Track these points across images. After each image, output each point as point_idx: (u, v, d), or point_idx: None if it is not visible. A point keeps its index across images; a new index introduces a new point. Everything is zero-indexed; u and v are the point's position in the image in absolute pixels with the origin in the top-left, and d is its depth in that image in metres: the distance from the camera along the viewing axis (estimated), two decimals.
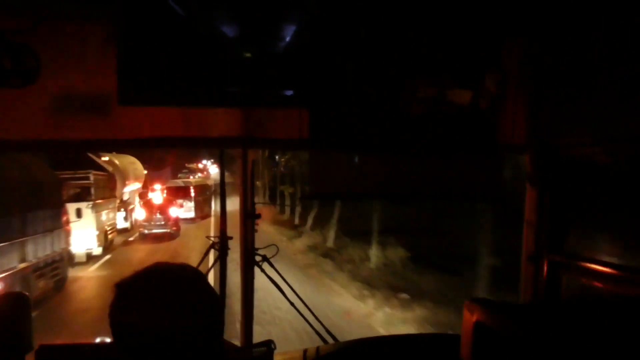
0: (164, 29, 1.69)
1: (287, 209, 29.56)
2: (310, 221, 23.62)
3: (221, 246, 2.72)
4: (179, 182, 33.61)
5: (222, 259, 2.72)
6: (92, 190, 17.48)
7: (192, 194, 30.97)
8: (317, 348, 2.46)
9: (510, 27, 2.18)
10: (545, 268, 2.30)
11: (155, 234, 22.99)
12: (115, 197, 21.23)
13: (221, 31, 1.72)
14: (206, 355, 1.19)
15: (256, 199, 2.62)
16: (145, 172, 30.83)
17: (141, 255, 18.37)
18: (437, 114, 2.13)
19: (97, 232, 17.40)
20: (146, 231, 23.21)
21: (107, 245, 19.04)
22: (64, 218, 13.89)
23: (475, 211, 10.25)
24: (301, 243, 20.33)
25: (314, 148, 2.22)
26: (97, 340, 2.91)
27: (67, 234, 14.17)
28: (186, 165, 62.09)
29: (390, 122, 2.14)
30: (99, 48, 1.94)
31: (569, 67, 2.11)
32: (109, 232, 19.40)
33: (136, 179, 26.66)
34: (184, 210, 28.92)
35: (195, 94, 1.76)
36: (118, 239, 21.62)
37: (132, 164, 25.92)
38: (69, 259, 14.52)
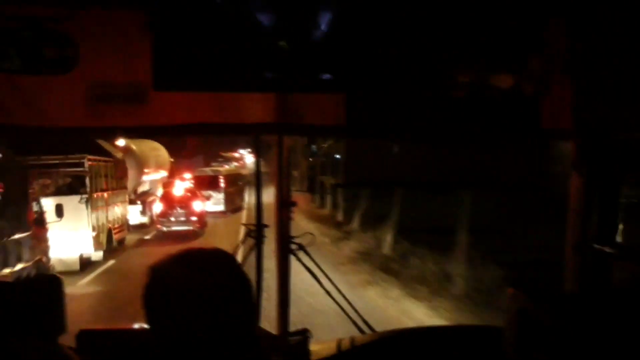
0: (200, 14, 1.68)
1: (329, 203, 26.28)
2: (357, 218, 20.04)
3: (257, 234, 2.71)
4: (208, 171, 30.36)
5: (258, 247, 2.72)
6: (87, 181, 13.96)
7: (222, 185, 27.44)
8: (353, 338, 2.44)
9: (555, 7, 2.09)
10: (591, 258, 2.21)
11: (176, 231, 19.64)
12: (125, 187, 18.30)
13: (257, 18, 1.69)
14: (241, 341, 1.18)
15: (292, 190, 2.60)
16: (172, 159, 28.42)
17: (153, 262, 14.84)
18: (479, 99, 2.06)
19: (94, 233, 13.86)
20: (164, 228, 19.94)
21: (113, 248, 15.90)
22: (33, 218, 10.92)
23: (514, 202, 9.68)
24: (349, 247, 16.37)
25: (351, 136, 2.18)
26: (136, 326, 2.96)
27: (41, 239, 11.30)
28: (221, 153, 60.39)
29: (430, 108, 2.08)
30: (135, 35, 1.94)
31: (619, 48, 2.00)
32: (115, 231, 16.29)
33: (159, 167, 24.30)
34: (212, 202, 25.77)
35: (230, 80, 1.74)
36: (131, 238, 18.72)
37: (154, 150, 23.24)
38: (47, 270, 10.97)
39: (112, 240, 15.82)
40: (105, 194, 15.59)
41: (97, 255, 14.32)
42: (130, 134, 2.16)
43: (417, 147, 2.17)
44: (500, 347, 1.83)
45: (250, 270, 1.64)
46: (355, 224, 19.81)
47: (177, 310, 1.13)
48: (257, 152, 2.72)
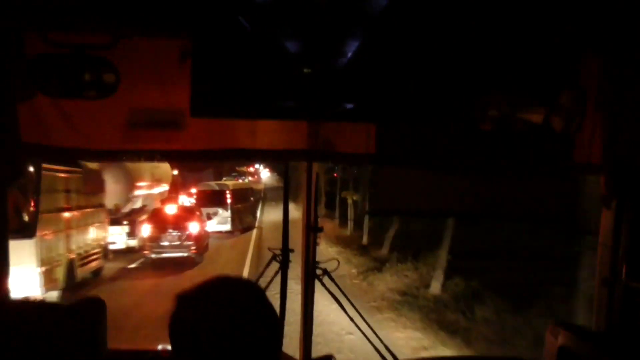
0: (234, 44, 1.72)
1: (351, 223, 23.38)
2: (387, 242, 17.24)
3: (283, 259, 2.72)
4: (213, 185, 26.88)
5: (283, 271, 2.72)
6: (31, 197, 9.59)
7: (229, 201, 23.99)
8: None
9: (589, 43, 2.09)
10: (621, 293, 2.18)
11: (167, 258, 16.27)
12: (101, 205, 14.95)
13: (285, 46, 1.74)
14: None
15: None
16: (176, 172, 25.76)
17: (129, 302, 10.96)
18: (509, 132, 2.06)
19: (41, 268, 10.07)
20: (153, 255, 16.39)
21: (79, 283, 12.41)
22: None
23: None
24: (384, 283, 12.75)
25: (380, 164, 2.19)
26: (159, 347, 2.98)
27: None
28: (236, 168, 57.57)
29: (459, 139, 2.09)
30: (173, 63, 1.99)
31: None
32: (84, 261, 12.89)
33: (158, 180, 20.35)
34: (217, 221, 23.10)
35: (263, 107, 1.78)
36: (112, 267, 15.27)
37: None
38: None
39: (75, 275, 12.18)
40: (66, 215, 11.91)
41: (51, 296, 10.48)
42: (167, 158, 2.20)
43: (447, 176, 2.18)
44: None
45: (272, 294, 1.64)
46: (385, 249, 17.20)
47: (203, 340, 1.15)
48: (286, 179, 2.75)
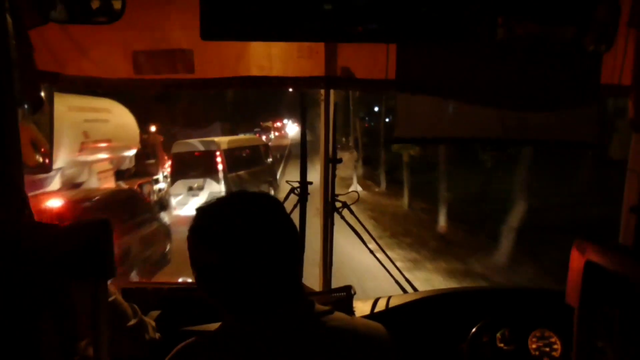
0: None
1: (408, 192, 17.24)
2: (443, 209, 12.49)
3: (301, 191, 2.69)
4: (195, 145, 16.74)
5: (301, 204, 2.70)
6: None
7: (220, 167, 16.05)
8: (398, 296, 2.42)
9: None
10: None
11: None
12: None
13: None
14: (287, 284, 1.17)
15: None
16: (154, 128, 20.17)
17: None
18: (537, 52, 1.95)
19: None
20: None
21: None
22: None
23: None
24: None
25: (400, 90, 2.10)
26: (180, 280, 3.01)
27: None
28: (261, 123, 51.18)
29: (485, 62, 1.99)
30: None
31: None
32: None
33: (105, 143, 11.93)
34: (206, 198, 14.32)
35: (277, 28, 1.69)
36: None
37: (92, 112, 11.43)
38: None
39: None
40: None
41: None
42: (175, 87, 2.14)
43: (473, 102, 2.08)
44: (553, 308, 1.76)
45: None
46: (443, 221, 12.44)
47: (221, 248, 1.12)
48: (303, 109, 2.67)
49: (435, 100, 2.08)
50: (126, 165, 14.37)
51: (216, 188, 15.60)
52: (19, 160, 1.84)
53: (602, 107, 2.18)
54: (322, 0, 1.67)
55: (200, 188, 15.77)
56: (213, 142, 16.65)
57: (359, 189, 19.16)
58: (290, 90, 3.03)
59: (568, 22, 1.91)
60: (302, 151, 2.77)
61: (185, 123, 27.20)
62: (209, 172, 15.92)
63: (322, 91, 2.54)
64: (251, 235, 1.12)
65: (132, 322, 1.64)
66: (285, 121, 62.09)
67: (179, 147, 16.63)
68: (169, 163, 17.10)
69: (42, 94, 1.90)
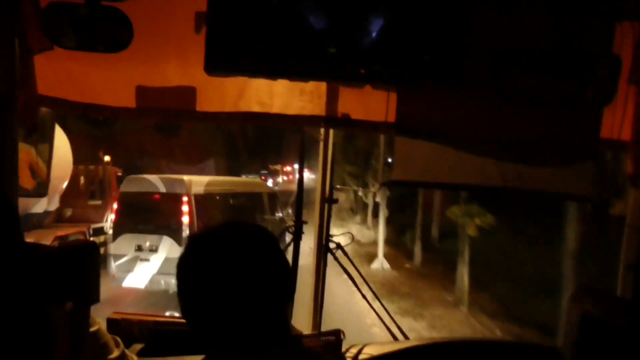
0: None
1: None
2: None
3: (296, 230, 2.67)
4: (153, 182, 10.87)
5: (295, 243, 2.68)
6: None
7: (185, 219, 10.33)
8: (387, 343, 2.37)
9: (625, 10, 1.98)
10: None
11: None
12: None
13: (309, 18, 1.66)
14: (272, 322, 1.13)
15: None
16: (108, 158, 15.31)
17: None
18: (537, 103, 1.97)
19: None
20: None
21: None
22: None
23: None
24: None
25: (400, 133, 2.11)
26: (167, 314, 2.96)
27: None
28: (269, 166, 47.25)
29: (484, 109, 2.00)
30: (188, 17, 1.93)
31: None
32: None
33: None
34: (156, 260, 10.27)
35: (280, 66, 1.71)
36: None
37: None
38: None
39: None
40: None
41: None
42: (178, 118, 2.15)
43: (471, 148, 2.08)
44: None
45: None
46: None
47: (209, 280, 1.10)
48: (302, 148, 2.68)
49: (433, 145, 2.09)
50: (43, 206, 10.18)
51: (176, 252, 9.48)
52: (14, 182, 1.83)
53: (601, 161, 2.18)
54: (326, 43, 1.69)
55: (153, 249, 10.12)
56: (181, 181, 10.63)
57: (386, 265, 14.81)
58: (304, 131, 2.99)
59: (569, 76, 1.93)
60: (298, 190, 2.77)
61: (170, 155, 21.94)
62: (169, 226, 10.29)
63: (322, 130, 2.55)
64: (240, 268, 1.09)
65: (114, 354, 1.60)
66: (295, 166, 60.29)
67: (129, 185, 10.86)
68: (115, 206, 11.16)
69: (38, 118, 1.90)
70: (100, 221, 13.05)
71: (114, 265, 10.52)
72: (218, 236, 1.16)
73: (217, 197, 11.88)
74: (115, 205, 11.02)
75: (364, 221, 25.28)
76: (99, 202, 13.41)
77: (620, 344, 1.12)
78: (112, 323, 2.12)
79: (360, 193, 22.60)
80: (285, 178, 46.58)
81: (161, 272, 9.93)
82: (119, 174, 14.34)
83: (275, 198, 14.58)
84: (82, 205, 12.86)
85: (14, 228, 1.27)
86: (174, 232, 10.13)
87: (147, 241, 10.27)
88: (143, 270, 10.04)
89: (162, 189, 10.65)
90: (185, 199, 10.32)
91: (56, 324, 0.97)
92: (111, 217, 11.74)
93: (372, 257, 15.65)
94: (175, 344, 1.97)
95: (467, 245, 11.67)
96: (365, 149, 19.10)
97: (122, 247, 10.55)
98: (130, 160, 17.89)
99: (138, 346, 2.01)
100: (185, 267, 1.15)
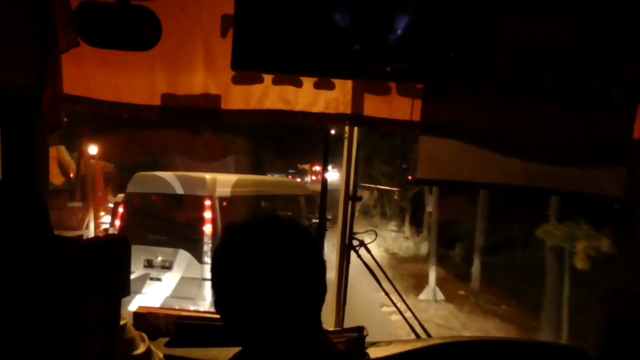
0: None
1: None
2: None
3: (319, 227, 2.68)
4: (170, 182, 8.26)
5: (319, 240, 2.68)
6: None
7: (209, 228, 7.66)
8: (410, 341, 2.36)
9: None
10: None
11: None
12: None
13: (333, 12, 1.66)
14: (305, 319, 1.13)
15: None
16: (95, 150, 11.96)
17: None
18: (564, 102, 1.95)
19: None
20: None
21: None
22: None
23: None
24: None
25: (425, 132, 2.11)
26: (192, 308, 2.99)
27: None
28: (298, 165, 45.03)
29: (512, 110, 1.99)
30: (216, 15, 1.95)
31: None
32: None
33: None
34: (171, 280, 7.71)
35: (306, 63, 1.71)
36: None
37: None
38: None
39: None
40: None
41: None
42: (205, 116, 2.17)
43: (498, 148, 2.07)
44: None
45: None
46: None
47: (243, 271, 1.09)
48: (326, 145, 2.69)
49: (458, 143, 2.07)
50: None
51: (195, 271, 7.62)
52: (45, 177, 1.88)
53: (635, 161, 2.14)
54: (352, 40, 1.70)
55: (167, 266, 7.89)
56: (202, 180, 8.31)
57: (439, 295, 11.40)
58: (333, 132, 2.98)
59: (597, 74, 1.91)
60: (322, 188, 2.77)
61: (184, 151, 19.23)
62: (187, 236, 7.99)
63: (347, 129, 2.56)
64: (278, 263, 1.09)
65: (140, 350, 1.62)
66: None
67: (138, 184, 8.61)
68: (120, 210, 8.64)
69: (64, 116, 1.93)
70: (79, 228, 10.26)
71: None
72: (257, 228, 1.15)
73: (247, 200, 9.18)
74: (120, 209, 8.60)
75: (400, 228, 22.01)
76: (78, 204, 10.76)
77: None
78: (138, 317, 2.16)
79: (396, 196, 20.00)
80: (314, 178, 44.33)
81: (176, 295, 7.58)
82: (108, 169, 11.78)
83: (313, 201, 12.10)
84: (58, 208, 10.06)
85: (44, 222, 1.30)
86: (192, 244, 7.78)
87: (159, 255, 7.99)
88: (153, 292, 7.76)
89: (179, 190, 8.29)
90: (207, 202, 7.97)
91: (88, 318, 0.99)
92: (105, 224, 9.05)
93: (417, 279, 12.67)
94: (201, 337, 1.99)
95: (566, 281, 8.23)
96: (403, 148, 17.29)
97: None
98: (133, 155, 15.51)
99: (164, 340, 2.04)
100: (221, 259, 1.14)
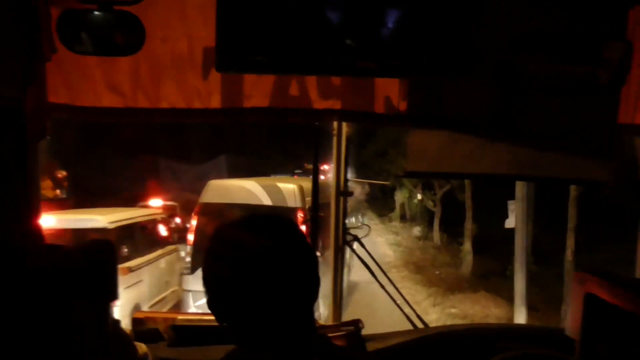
0: None
1: None
2: None
3: (312, 223, 2.69)
4: (251, 189, 7.99)
5: (312, 237, 2.70)
6: None
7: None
8: (407, 332, 2.38)
9: None
10: None
11: None
12: None
13: (325, 12, 1.66)
14: (298, 316, 1.13)
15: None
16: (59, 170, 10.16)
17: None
18: (551, 90, 1.96)
19: None
20: None
21: None
22: None
23: None
24: None
25: (412, 124, 2.12)
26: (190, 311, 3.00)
27: None
28: (305, 165, 47.17)
29: (498, 98, 2.00)
30: (201, 14, 1.95)
31: None
32: None
33: None
34: None
35: (291, 62, 1.71)
36: None
37: None
38: None
39: None
40: None
41: None
42: (190, 117, 2.16)
43: (485, 138, 2.08)
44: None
45: None
46: None
47: (234, 271, 1.08)
48: (317, 143, 2.70)
49: (446, 134, 2.09)
50: None
51: None
52: (37, 187, 1.87)
53: (621, 145, 2.17)
54: (339, 37, 1.70)
55: None
56: (291, 190, 7.93)
57: None
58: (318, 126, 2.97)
59: (581, 60, 1.92)
60: (314, 186, 2.78)
61: (173, 151, 17.25)
62: None
63: (335, 124, 2.56)
64: (269, 259, 1.08)
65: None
66: (326, 167, 57.53)
67: (214, 193, 8.21)
68: (194, 222, 8.14)
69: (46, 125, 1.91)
70: None
71: (193, 306, 7.68)
72: (247, 227, 1.14)
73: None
74: (193, 222, 7.93)
75: (426, 234, 18.55)
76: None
77: (624, 324, 1.12)
78: (137, 322, 2.17)
79: (419, 196, 17.67)
80: (322, 177, 44.32)
81: None
82: (60, 175, 10.42)
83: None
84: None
85: (37, 232, 1.31)
86: None
87: None
88: None
89: (265, 200, 7.74)
90: (300, 215, 7.38)
91: (80, 323, 1.00)
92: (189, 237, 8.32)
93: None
94: (200, 340, 2.00)
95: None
96: None
97: (193, 284, 7.71)
98: (109, 158, 14.09)
99: (163, 344, 2.05)
100: (212, 258, 1.13)
